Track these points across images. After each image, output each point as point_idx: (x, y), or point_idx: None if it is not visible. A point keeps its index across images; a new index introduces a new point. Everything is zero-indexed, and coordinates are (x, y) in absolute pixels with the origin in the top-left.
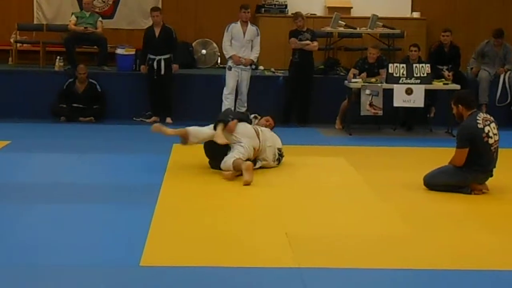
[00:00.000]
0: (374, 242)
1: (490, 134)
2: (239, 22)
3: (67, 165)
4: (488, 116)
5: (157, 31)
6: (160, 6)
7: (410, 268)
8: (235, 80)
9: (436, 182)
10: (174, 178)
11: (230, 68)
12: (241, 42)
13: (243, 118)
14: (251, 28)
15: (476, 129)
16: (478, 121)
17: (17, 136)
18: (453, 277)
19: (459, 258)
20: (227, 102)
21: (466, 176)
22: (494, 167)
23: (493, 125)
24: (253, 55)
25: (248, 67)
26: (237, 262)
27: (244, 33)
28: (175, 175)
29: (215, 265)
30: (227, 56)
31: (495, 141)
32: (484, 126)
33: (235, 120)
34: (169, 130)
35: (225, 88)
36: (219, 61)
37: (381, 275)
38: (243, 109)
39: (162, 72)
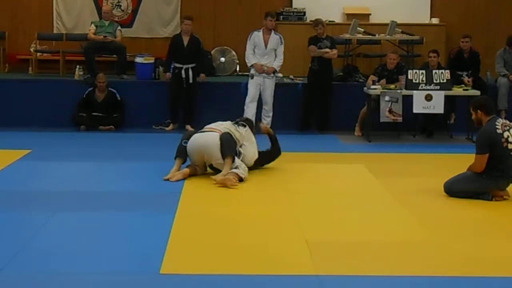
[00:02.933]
0: (394, 249)
1: (510, 139)
2: (261, 30)
3: (87, 173)
4: (507, 121)
5: (185, 40)
6: (178, 14)
7: (431, 275)
8: (257, 88)
9: (457, 189)
10: (193, 185)
11: (252, 77)
12: (263, 51)
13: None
14: (274, 37)
15: (495, 134)
16: (497, 126)
17: (37, 145)
18: (474, 284)
19: (480, 264)
20: (248, 110)
21: (487, 182)
22: None
23: None
24: (276, 64)
25: (272, 75)
26: (257, 269)
27: (266, 42)
28: (194, 183)
29: (235, 273)
30: (249, 65)
31: None
32: (503, 132)
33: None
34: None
35: (247, 96)
36: (238, 69)
37: (401, 282)
38: (268, 119)
39: (191, 81)
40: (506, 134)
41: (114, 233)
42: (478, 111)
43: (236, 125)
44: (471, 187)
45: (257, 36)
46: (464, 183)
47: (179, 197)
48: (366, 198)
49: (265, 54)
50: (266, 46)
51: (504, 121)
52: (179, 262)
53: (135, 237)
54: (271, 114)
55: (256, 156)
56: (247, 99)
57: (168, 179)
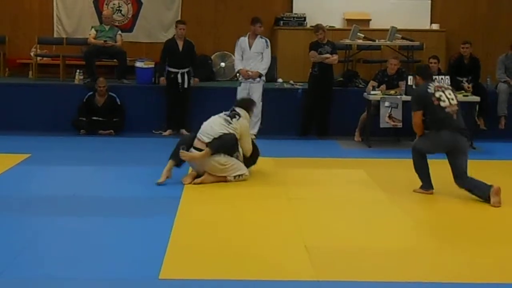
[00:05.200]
0: (394, 255)
1: (443, 98)
2: (247, 35)
3: (86, 177)
4: (445, 85)
5: (180, 44)
6: (179, 19)
7: (430, 281)
8: (244, 95)
9: (418, 147)
10: (193, 190)
11: (239, 84)
12: (248, 55)
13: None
14: (259, 40)
15: (426, 93)
16: (429, 87)
17: (37, 149)
18: None
19: (479, 271)
20: None
21: (434, 136)
22: (462, 127)
23: (448, 91)
24: (261, 67)
25: (258, 79)
26: (256, 275)
27: (250, 46)
28: (194, 188)
29: (234, 278)
30: (235, 71)
31: (450, 104)
32: (435, 92)
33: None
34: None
35: None
36: (238, 74)
37: None
38: (257, 126)
39: (186, 85)
40: (438, 94)
41: (112, 238)
42: (417, 76)
43: (228, 121)
44: (428, 144)
45: (244, 41)
46: (420, 140)
47: (178, 201)
48: (365, 204)
49: (249, 58)
50: (250, 49)
51: (439, 84)
52: (178, 267)
53: (134, 242)
54: (257, 119)
55: (251, 147)
56: None
57: (160, 183)
